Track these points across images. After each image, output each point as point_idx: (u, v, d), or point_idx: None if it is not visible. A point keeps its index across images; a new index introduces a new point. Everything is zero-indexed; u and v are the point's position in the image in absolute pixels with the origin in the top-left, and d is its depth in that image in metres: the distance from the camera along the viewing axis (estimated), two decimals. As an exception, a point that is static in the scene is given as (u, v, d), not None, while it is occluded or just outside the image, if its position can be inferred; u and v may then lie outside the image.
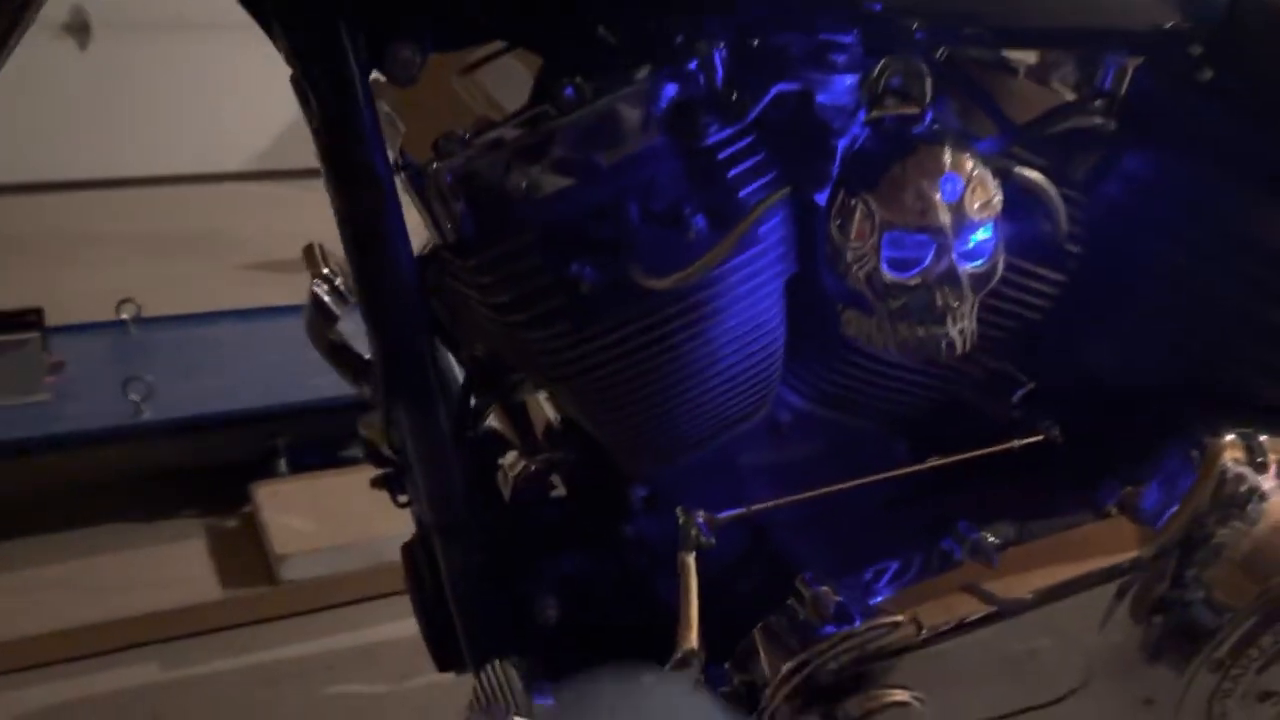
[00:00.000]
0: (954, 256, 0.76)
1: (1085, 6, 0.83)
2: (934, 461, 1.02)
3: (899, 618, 0.91)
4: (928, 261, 0.76)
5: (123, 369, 1.98)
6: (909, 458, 1.05)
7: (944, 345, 0.79)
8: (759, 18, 0.80)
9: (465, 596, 0.92)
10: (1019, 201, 0.87)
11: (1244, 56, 0.96)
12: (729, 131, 0.82)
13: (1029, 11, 0.82)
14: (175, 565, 1.73)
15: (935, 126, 0.79)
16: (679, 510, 0.93)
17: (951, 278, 0.76)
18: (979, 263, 0.78)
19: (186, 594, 1.66)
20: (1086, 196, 0.98)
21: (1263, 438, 1.01)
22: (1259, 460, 1.00)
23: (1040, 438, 1.05)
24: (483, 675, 0.92)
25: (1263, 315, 1.04)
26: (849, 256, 0.76)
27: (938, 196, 0.74)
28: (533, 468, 1.00)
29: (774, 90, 0.81)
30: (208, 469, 1.97)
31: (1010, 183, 0.85)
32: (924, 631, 0.90)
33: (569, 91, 0.78)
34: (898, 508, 1.02)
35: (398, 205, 0.78)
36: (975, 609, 0.92)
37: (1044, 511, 1.01)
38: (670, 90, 0.80)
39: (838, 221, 0.78)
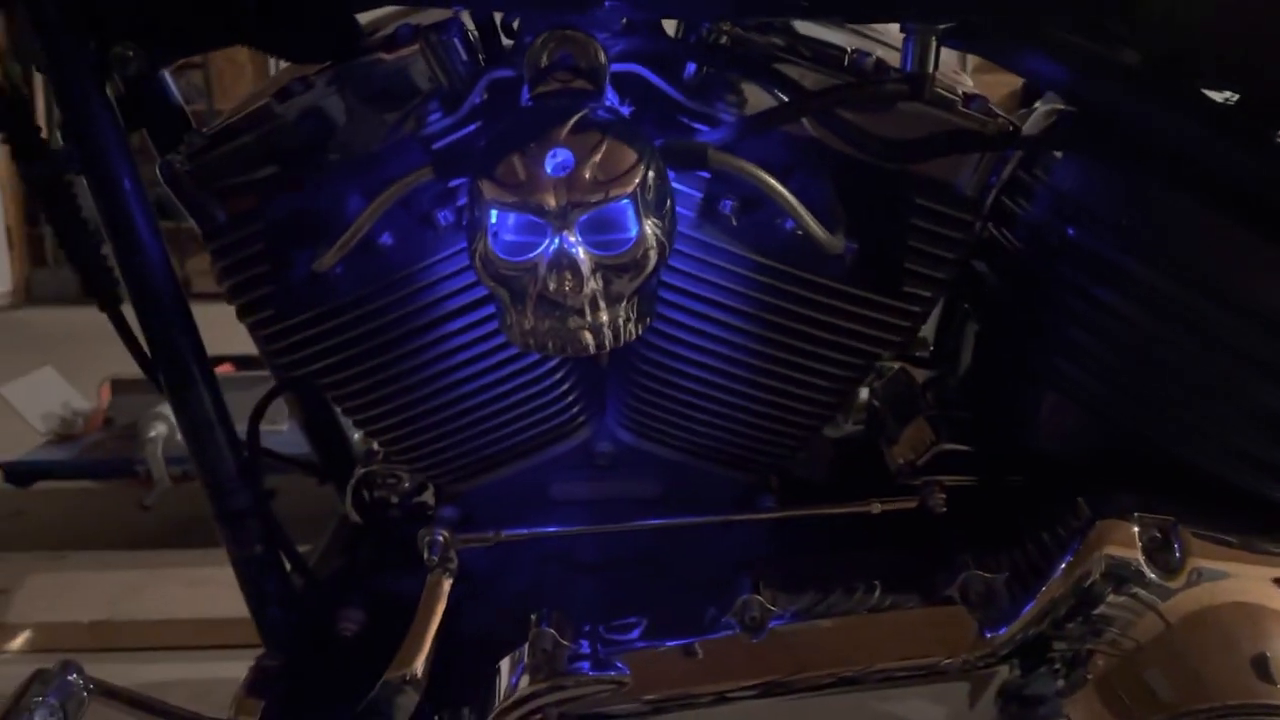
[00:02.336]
0: (564, 237, 0.66)
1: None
2: (753, 514, 0.88)
3: (622, 678, 0.78)
4: (541, 243, 0.67)
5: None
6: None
7: (574, 340, 0.68)
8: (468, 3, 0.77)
9: (248, 587, 0.94)
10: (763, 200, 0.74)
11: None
12: (448, 120, 0.79)
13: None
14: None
15: (598, 104, 0.70)
16: (422, 529, 0.88)
17: (566, 261, 0.66)
18: (616, 250, 0.67)
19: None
20: (974, 214, 0.81)
21: (1192, 530, 0.74)
22: (1167, 555, 0.73)
23: (912, 503, 0.86)
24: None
25: (1233, 379, 0.77)
26: (472, 241, 0.70)
27: (542, 172, 0.65)
28: (369, 475, 1.00)
29: (487, 77, 0.78)
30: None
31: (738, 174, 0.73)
32: (642, 698, 0.77)
33: (294, 84, 0.80)
34: (714, 561, 0.88)
35: (142, 199, 0.84)
36: (714, 684, 0.76)
37: (872, 585, 0.81)
38: (387, 81, 0.79)
39: (466, 204, 0.72)
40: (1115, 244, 0.80)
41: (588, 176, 0.66)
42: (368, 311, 0.80)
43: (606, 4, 0.70)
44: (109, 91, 0.83)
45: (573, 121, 0.67)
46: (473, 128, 0.78)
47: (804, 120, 0.78)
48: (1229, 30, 0.73)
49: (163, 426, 2.16)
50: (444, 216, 0.78)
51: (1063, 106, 0.89)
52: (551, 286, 0.67)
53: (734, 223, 0.78)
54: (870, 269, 0.79)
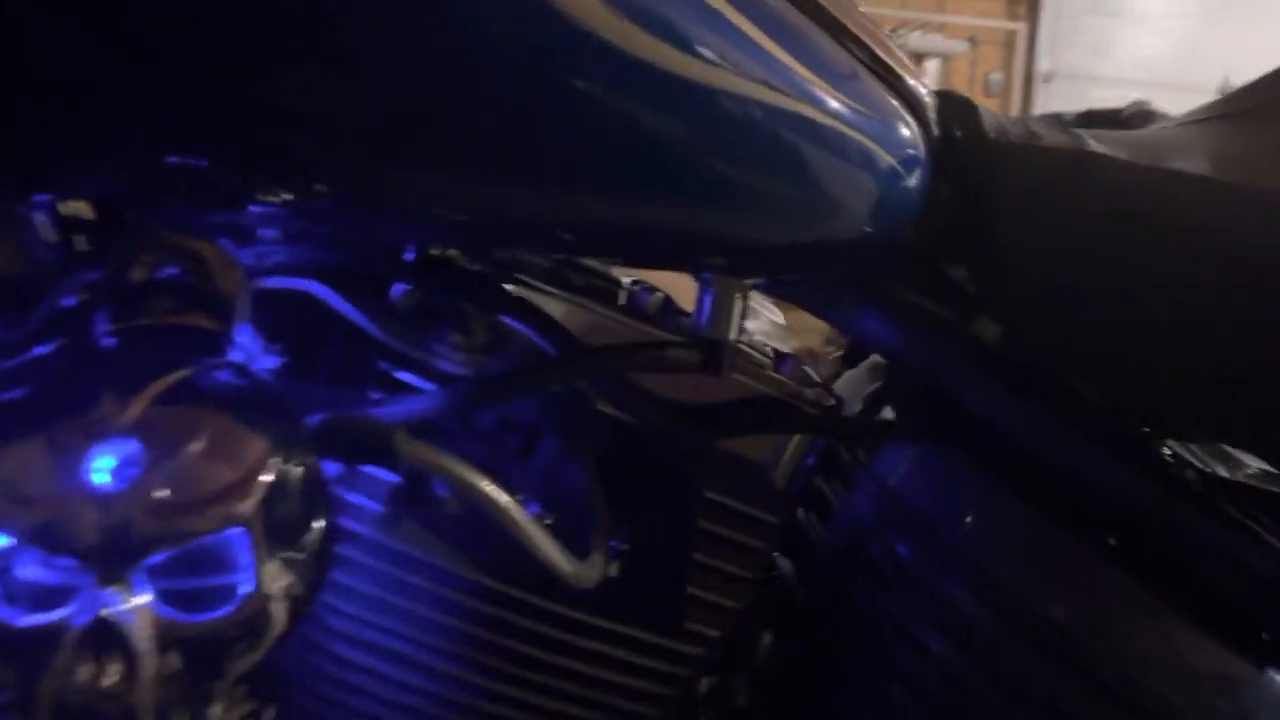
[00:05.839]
0: (111, 593, 0.39)
1: (660, 213, 0.46)
2: None
3: None
4: (73, 599, 0.39)
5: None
6: None
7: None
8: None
9: None
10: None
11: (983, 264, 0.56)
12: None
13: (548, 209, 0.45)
14: None
15: (214, 358, 0.44)
16: None
17: (113, 632, 0.38)
18: (212, 611, 0.40)
19: None
20: (779, 513, 0.59)
21: None
22: None
23: None
24: None
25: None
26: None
27: (84, 480, 0.39)
28: None
29: (76, 278, 0.50)
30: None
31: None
32: None
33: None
34: None
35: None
36: None
37: None
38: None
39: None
40: (945, 567, 0.60)
41: (168, 491, 0.39)
42: None
43: (252, 210, 0.44)
44: None
45: (153, 389, 0.40)
46: (43, 350, 0.50)
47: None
48: (1105, 326, 0.55)
49: None
50: None
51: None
52: (81, 677, 0.38)
53: (445, 523, 0.52)
54: (640, 598, 0.56)
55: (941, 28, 4.70)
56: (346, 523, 0.51)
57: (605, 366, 0.52)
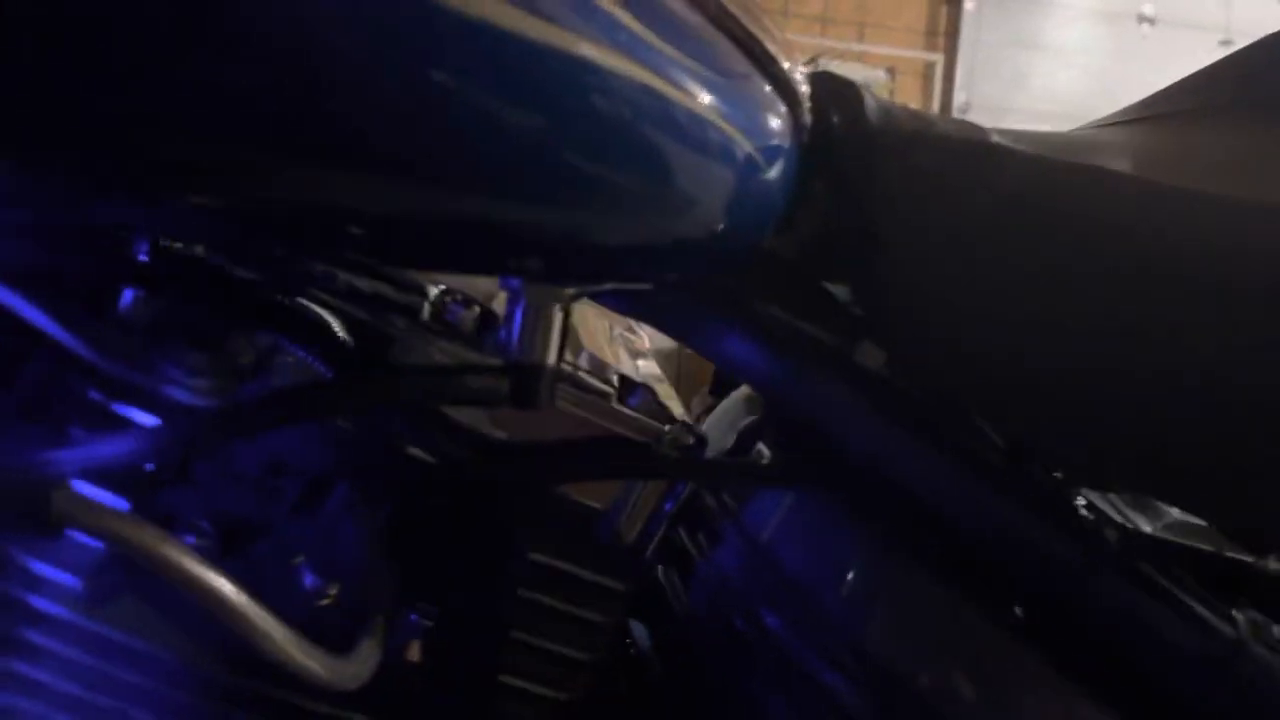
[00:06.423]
0: None
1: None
2: None
3: None
4: None
5: None
6: None
7: None
8: None
9: None
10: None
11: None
12: None
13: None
14: None
15: None
16: None
17: None
18: None
19: None
20: (627, 578, 0.48)
21: None
22: None
23: None
24: None
25: None
26: None
27: None
28: None
29: None
30: None
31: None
32: None
33: None
34: None
35: None
36: None
37: None
38: None
39: None
40: (818, 644, 0.50)
41: None
42: None
43: None
44: None
45: None
46: None
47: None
48: (1006, 343, 0.46)
49: None
50: None
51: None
52: None
53: (170, 600, 0.40)
54: (441, 690, 0.44)
55: (860, 57, 4.70)
56: (36, 601, 0.39)
57: (378, 397, 0.41)
